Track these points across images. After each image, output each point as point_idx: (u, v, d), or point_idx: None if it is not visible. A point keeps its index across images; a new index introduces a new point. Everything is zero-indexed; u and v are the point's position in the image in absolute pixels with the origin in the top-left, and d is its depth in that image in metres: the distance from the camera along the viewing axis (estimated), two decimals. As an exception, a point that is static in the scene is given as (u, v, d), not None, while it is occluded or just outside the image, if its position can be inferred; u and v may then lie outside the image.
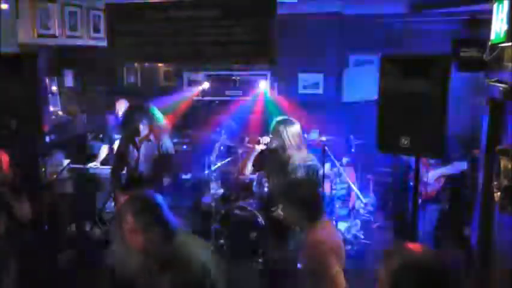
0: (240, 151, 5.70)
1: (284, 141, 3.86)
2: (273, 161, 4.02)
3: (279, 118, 4.02)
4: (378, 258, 1.68)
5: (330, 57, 6.52)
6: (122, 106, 5.61)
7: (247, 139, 5.32)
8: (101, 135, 6.23)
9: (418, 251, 1.62)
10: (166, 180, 4.43)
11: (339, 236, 2.93)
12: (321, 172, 4.19)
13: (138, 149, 4.42)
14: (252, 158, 4.14)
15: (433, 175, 4.36)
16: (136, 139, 4.41)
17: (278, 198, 3.28)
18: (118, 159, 4.58)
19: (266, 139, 3.99)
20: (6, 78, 3.19)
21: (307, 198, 2.75)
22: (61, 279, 4.35)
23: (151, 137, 4.43)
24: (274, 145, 3.93)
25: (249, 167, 4.21)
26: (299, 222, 2.84)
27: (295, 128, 3.89)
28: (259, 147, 4.04)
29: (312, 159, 3.91)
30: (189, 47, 3.85)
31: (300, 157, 3.85)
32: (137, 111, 4.39)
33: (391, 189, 6.23)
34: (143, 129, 4.35)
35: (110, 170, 4.71)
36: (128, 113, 4.46)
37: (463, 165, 4.38)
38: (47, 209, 4.39)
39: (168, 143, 4.49)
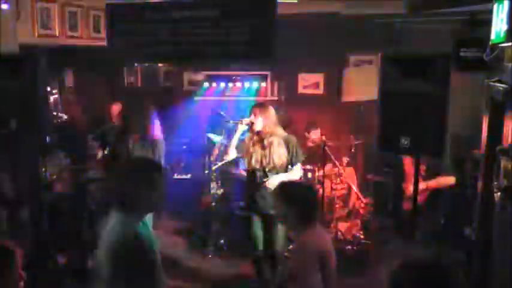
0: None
1: (262, 122, 4.31)
2: (252, 138, 4.44)
3: (255, 103, 4.59)
4: (378, 258, 1.68)
5: (330, 57, 6.51)
6: (116, 110, 5.59)
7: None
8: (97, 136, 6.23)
9: (418, 251, 1.62)
10: None
11: (329, 244, 2.80)
12: (296, 145, 4.47)
13: (130, 150, 4.46)
14: (236, 139, 4.51)
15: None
16: (131, 140, 4.45)
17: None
18: (110, 158, 4.63)
19: (247, 120, 4.40)
20: (6, 78, 3.18)
21: (303, 198, 2.70)
22: (60, 279, 4.36)
23: (148, 138, 4.47)
24: (259, 127, 4.33)
25: (233, 149, 4.55)
26: (291, 223, 2.77)
27: (270, 110, 4.37)
28: (242, 127, 4.45)
29: (287, 134, 4.41)
30: (189, 47, 3.86)
31: (278, 132, 4.36)
32: (134, 111, 4.43)
33: (391, 189, 6.23)
34: (139, 129, 4.39)
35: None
36: (125, 113, 4.49)
37: (450, 180, 4.24)
38: (47, 209, 4.39)
39: (159, 144, 4.52)
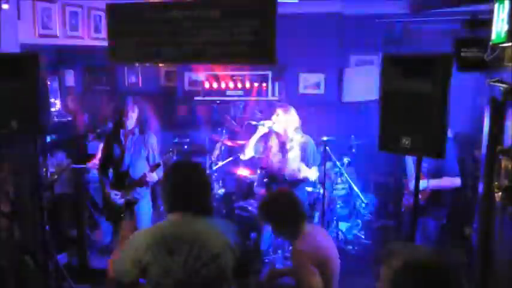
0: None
1: (284, 124, 4.46)
2: (274, 141, 4.59)
3: (280, 104, 4.73)
4: (379, 258, 1.68)
5: (330, 57, 6.51)
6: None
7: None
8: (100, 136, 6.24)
9: (419, 251, 1.61)
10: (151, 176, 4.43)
11: (327, 245, 2.76)
12: (314, 148, 4.61)
13: (122, 143, 4.48)
14: (255, 139, 4.58)
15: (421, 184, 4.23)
16: (122, 133, 4.48)
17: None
18: (103, 155, 4.66)
19: (269, 122, 4.51)
20: (6, 78, 3.18)
21: (283, 213, 2.71)
22: (61, 279, 4.35)
23: (136, 131, 4.50)
24: (280, 129, 4.48)
25: (251, 149, 4.62)
26: (281, 235, 2.87)
27: (293, 113, 4.52)
28: (264, 129, 4.53)
29: (307, 139, 4.54)
30: (189, 47, 3.85)
31: (297, 137, 4.49)
32: (122, 104, 4.49)
33: (392, 189, 6.23)
34: (128, 122, 4.44)
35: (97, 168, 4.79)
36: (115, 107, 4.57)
37: (456, 182, 4.14)
38: (48, 209, 4.39)
39: (152, 139, 4.54)
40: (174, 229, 2.20)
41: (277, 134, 4.55)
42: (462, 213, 4.74)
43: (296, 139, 4.50)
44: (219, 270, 2.15)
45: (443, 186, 4.18)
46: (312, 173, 4.45)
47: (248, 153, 4.64)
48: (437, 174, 4.14)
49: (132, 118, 4.47)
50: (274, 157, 4.55)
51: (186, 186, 2.26)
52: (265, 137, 4.64)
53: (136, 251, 2.17)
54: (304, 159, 4.49)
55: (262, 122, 4.60)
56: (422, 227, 4.19)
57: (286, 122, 4.47)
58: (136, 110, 4.51)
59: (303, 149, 4.49)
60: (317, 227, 2.85)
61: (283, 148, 4.51)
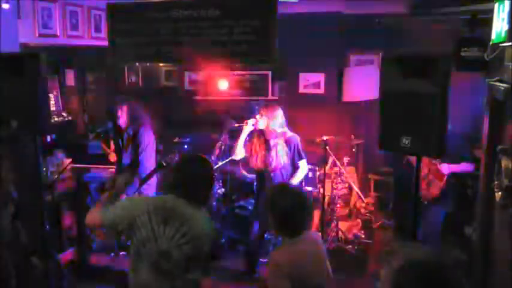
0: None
1: (265, 121, 4.44)
2: (258, 139, 4.59)
3: (264, 103, 4.73)
4: (379, 258, 1.68)
5: (330, 57, 6.51)
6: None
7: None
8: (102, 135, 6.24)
9: (420, 250, 1.61)
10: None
11: (307, 263, 2.49)
12: (299, 144, 4.60)
13: (122, 142, 4.55)
14: (242, 139, 4.57)
15: (446, 169, 4.38)
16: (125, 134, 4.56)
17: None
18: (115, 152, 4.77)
19: (252, 120, 4.50)
20: (6, 78, 3.17)
21: (283, 208, 2.48)
22: (61, 279, 4.36)
23: (130, 130, 4.56)
24: (261, 126, 4.47)
25: (241, 148, 4.61)
26: (275, 231, 2.62)
27: (276, 111, 4.48)
28: (248, 128, 4.52)
29: (292, 135, 4.54)
30: (189, 47, 3.86)
31: (282, 136, 4.49)
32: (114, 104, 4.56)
33: (392, 189, 6.23)
34: (120, 121, 4.50)
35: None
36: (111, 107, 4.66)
37: (470, 167, 4.36)
38: (48, 209, 4.39)
39: (144, 137, 4.58)
40: (172, 205, 2.53)
41: (261, 132, 4.57)
42: (463, 212, 4.76)
43: (281, 136, 4.51)
44: (196, 250, 2.49)
45: (463, 170, 4.37)
46: (301, 170, 4.55)
47: (239, 153, 4.64)
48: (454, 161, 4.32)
49: (122, 117, 4.54)
50: (259, 155, 4.57)
51: (189, 178, 2.61)
52: (250, 136, 4.67)
53: (134, 207, 2.51)
54: (291, 155, 4.53)
55: (245, 121, 4.58)
56: (431, 216, 4.38)
57: (269, 119, 4.47)
58: (125, 109, 4.55)
59: (288, 145, 4.52)
60: (306, 241, 2.55)
61: (267, 145, 4.54)
